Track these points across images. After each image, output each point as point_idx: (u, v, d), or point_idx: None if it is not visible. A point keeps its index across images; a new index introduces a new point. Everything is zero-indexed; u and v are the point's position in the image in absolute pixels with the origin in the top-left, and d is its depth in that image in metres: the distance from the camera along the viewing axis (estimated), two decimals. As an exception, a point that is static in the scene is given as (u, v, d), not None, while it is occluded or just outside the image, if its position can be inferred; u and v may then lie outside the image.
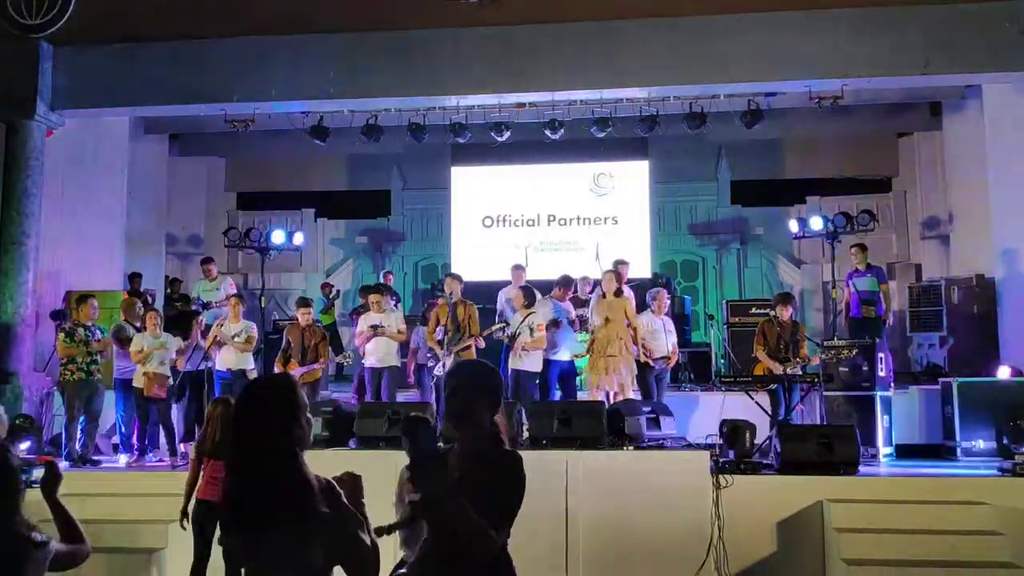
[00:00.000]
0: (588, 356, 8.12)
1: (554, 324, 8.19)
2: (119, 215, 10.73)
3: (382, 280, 11.46)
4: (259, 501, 2.18)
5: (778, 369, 7.54)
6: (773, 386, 7.54)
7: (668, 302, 8.66)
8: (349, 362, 9.25)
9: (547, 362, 8.25)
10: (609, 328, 7.84)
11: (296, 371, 8.02)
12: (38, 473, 2.72)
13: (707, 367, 10.23)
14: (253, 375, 8.42)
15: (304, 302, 8.70)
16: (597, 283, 10.35)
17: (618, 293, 8.00)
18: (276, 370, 8.34)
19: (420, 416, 2.47)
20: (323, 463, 6.01)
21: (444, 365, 7.81)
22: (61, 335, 7.68)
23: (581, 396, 8.39)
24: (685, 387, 9.80)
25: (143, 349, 7.79)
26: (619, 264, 8.74)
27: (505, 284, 9.19)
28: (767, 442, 6.81)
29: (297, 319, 8.49)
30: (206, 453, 5.27)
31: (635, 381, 8.08)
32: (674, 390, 9.49)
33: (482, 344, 8.10)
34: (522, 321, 7.98)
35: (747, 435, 6.61)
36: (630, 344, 7.91)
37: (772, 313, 8.10)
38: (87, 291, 8.40)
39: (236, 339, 8.29)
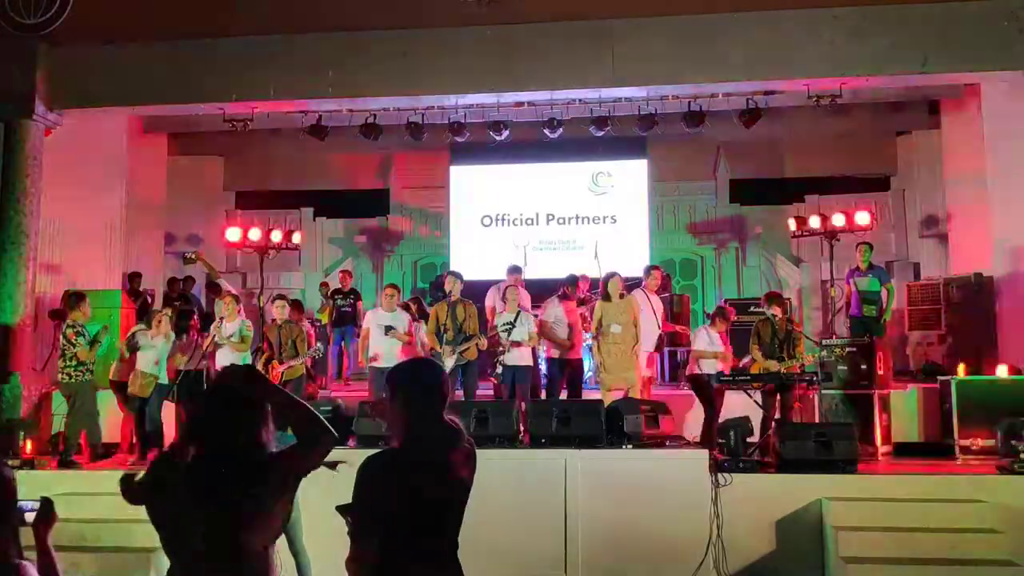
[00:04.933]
0: (601, 359, 8.00)
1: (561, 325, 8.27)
2: (117, 214, 10.73)
3: (327, 280, 11.57)
4: None
5: (774, 367, 7.53)
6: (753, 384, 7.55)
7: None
8: (319, 355, 9.17)
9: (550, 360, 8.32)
10: (624, 332, 7.82)
11: (277, 369, 8.04)
12: (28, 516, 2.61)
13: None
14: None
15: (279, 298, 8.60)
16: (596, 282, 10.36)
17: (622, 295, 8.02)
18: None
19: None
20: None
21: (445, 365, 7.81)
22: (80, 339, 7.65)
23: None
24: (684, 386, 9.80)
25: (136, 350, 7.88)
26: (653, 269, 8.79)
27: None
28: (765, 440, 6.82)
29: (275, 318, 8.45)
30: None
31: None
32: (673, 389, 9.51)
33: (484, 344, 8.09)
34: (515, 319, 7.99)
35: (746, 434, 6.62)
36: (638, 345, 7.92)
37: (766, 312, 8.04)
38: (80, 290, 8.39)
39: (231, 338, 8.29)
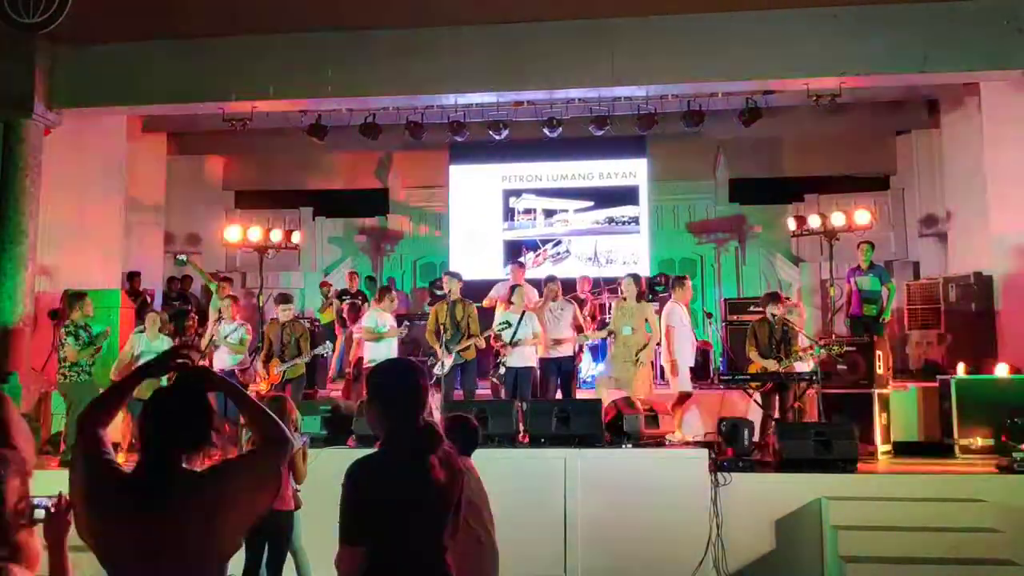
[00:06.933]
0: (612, 361, 7.96)
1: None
2: (117, 214, 10.72)
3: (327, 279, 11.65)
4: None
5: (772, 366, 7.52)
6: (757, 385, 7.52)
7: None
8: (328, 353, 9.17)
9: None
10: (636, 335, 7.80)
11: (277, 368, 8.03)
12: (39, 513, 2.55)
13: (705, 365, 10.23)
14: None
15: (284, 298, 8.55)
16: (596, 282, 10.36)
17: (639, 298, 7.98)
18: (259, 369, 8.35)
19: None
20: (322, 462, 6.06)
21: (444, 364, 7.81)
22: (70, 340, 7.63)
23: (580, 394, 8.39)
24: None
25: (134, 353, 7.84)
26: (686, 279, 8.51)
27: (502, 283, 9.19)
28: (765, 440, 6.82)
29: (277, 316, 8.44)
30: None
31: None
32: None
33: (482, 344, 8.09)
34: (520, 319, 7.98)
35: (746, 433, 6.63)
36: (652, 351, 7.89)
37: (764, 312, 7.99)
38: (80, 290, 8.37)
39: (229, 339, 8.28)
